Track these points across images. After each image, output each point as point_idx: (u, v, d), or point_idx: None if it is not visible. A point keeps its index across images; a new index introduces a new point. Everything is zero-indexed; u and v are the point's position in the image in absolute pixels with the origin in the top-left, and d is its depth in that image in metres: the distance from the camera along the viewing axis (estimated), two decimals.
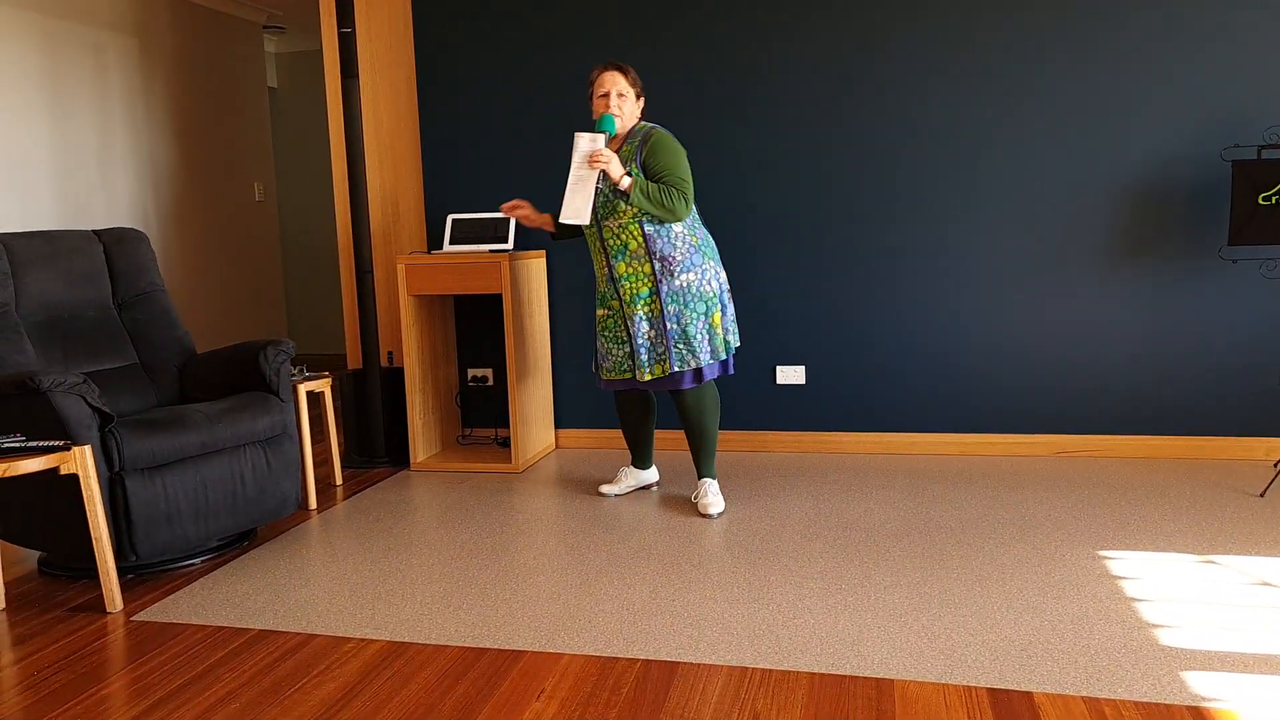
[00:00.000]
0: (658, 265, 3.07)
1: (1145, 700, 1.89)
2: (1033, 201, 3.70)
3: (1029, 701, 1.90)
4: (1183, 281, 3.61)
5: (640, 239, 3.07)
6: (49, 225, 4.66)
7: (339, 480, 3.76)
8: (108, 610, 2.54)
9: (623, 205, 3.05)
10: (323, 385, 3.58)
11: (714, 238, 3.99)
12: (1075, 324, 3.71)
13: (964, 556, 2.71)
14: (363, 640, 2.30)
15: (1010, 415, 3.81)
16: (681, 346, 3.08)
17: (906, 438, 3.90)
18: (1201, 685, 1.94)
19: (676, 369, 3.08)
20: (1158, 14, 3.51)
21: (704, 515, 3.15)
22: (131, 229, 3.40)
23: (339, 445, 4.42)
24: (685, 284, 3.08)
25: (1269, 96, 3.46)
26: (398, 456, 4.07)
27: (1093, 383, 3.72)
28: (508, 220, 4.00)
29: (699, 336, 3.08)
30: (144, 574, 2.81)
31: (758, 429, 4.03)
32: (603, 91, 3.08)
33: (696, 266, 3.09)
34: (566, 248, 4.14)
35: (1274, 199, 3.22)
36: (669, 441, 4.13)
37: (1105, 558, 2.67)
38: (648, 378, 3.11)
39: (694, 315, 3.07)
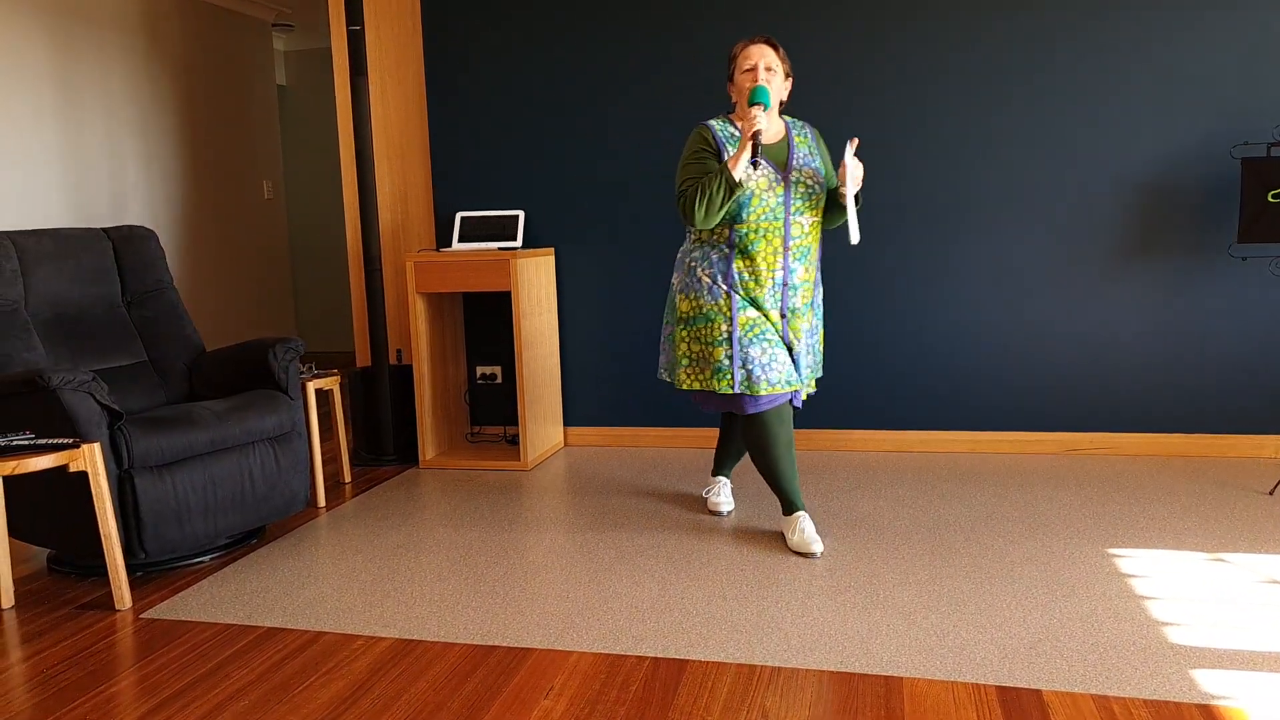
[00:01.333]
0: (818, 272, 2.88)
1: (1154, 698, 1.88)
2: (1041, 200, 3.68)
3: (1038, 699, 1.90)
4: (1192, 279, 3.60)
5: (819, 243, 2.84)
6: (58, 224, 4.69)
7: (348, 478, 3.77)
8: (116, 608, 2.56)
9: (822, 198, 2.77)
10: (331, 383, 3.59)
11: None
12: (1084, 322, 3.70)
13: (973, 554, 2.70)
14: (372, 638, 2.31)
15: (1019, 413, 3.80)
16: (821, 359, 2.95)
17: (916, 435, 3.90)
18: (1211, 684, 1.93)
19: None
20: (1166, 12, 3.49)
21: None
22: (140, 227, 3.42)
23: (348, 443, 4.44)
24: (822, 297, 2.97)
25: (1278, 94, 3.45)
26: (406, 454, 4.08)
27: (1102, 380, 3.71)
28: (516, 217, 4.00)
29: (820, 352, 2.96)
30: (153, 571, 2.82)
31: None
32: (750, 65, 2.73)
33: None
34: (576, 247, 4.14)
35: None
36: (670, 439, 4.13)
37: (1114, 556, 2.66)
38: (807, 393, 2.93)
39: (820, 330, 2.95)
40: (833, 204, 2.82)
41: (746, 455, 3.09)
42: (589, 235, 4.12)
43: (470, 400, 4.35)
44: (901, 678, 2.01)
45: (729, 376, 2.70)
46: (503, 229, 4.01)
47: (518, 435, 4.26)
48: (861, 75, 3.77)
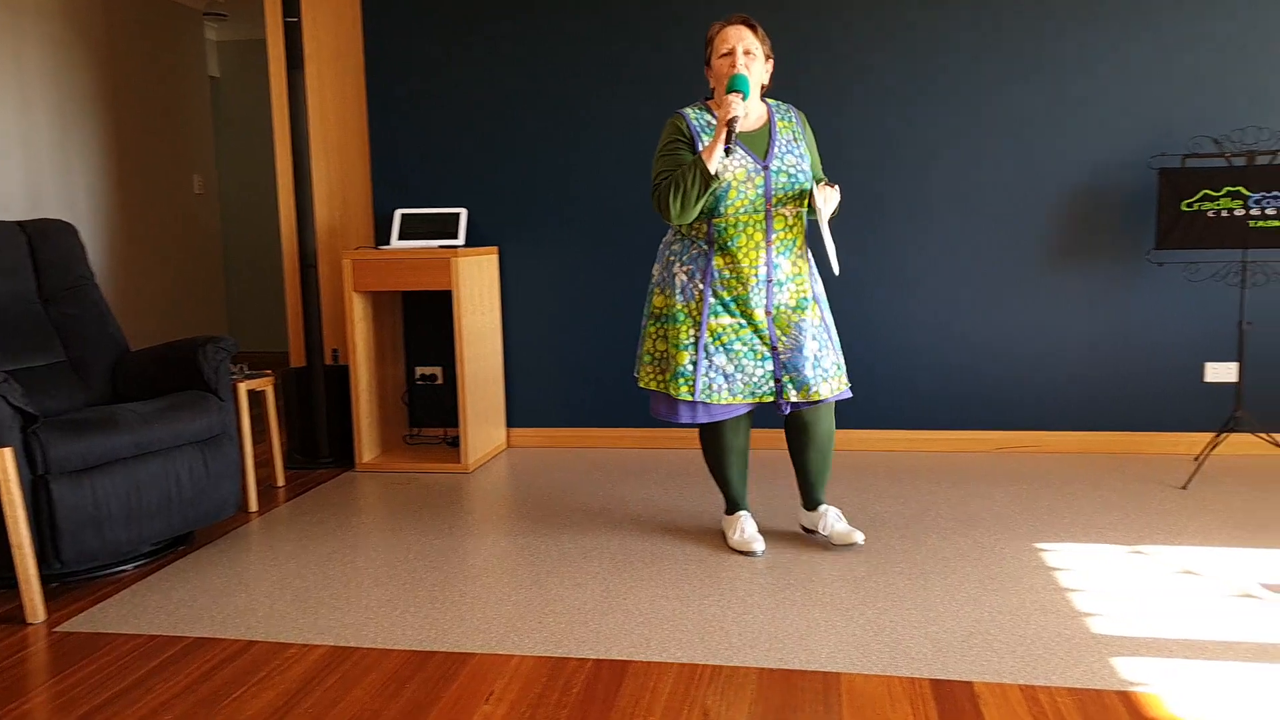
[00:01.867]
0: (810, 266, 2.69)
1: (1077, 686, 1.95)
2: (975, 207, 3.78)
3: (969, 691, 1.95)
4: (1114, 284, 3.73)
5: (805, 235, 2.66)
6: None
7: (281, 481, 3.70)
8: (29, 621, 2.45)
9: (806, 186, 2.58)
10: (264, 384, 3.52)
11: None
12: (1015, 324, 3.81)
13: (908, 550, 2.76)
14: (305, 646, 2.27)
15: (953, 412, 3.89)
16: (842, 357, 2.72)
17: (856, 434, 3.97)
18: (1129, 671, 2.01)
19: (847, 381, 2.67)
20: (1092, 31, 3.61)
21: (846, 544, 2.73)
22: (58, 220, 3.29)
23: (281, 446, 4.35)
24: (821, 291, 2.72)
25: (1192, 108, 3.59)
26: (343, 457, 4.02)
27: (1032, 380, 3.82)
28: (458, 215, 3.97)
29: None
30: (70, 582, 2.72)
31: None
32: (727, 49, 2.55)
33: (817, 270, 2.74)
34: (520, 245, 4.12)
35: (1196, 205, 3.34)
36: (615, 440, 4.14)
37: (1041, 550, 2.74)
38: (817, 397, 2.60)
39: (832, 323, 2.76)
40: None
41: (823, 471, 2.80)
42: (533, 234, 4.10)
43: (409, 401, 4.30)
44: (839, 673, 2.04)
45: (690, 383, 2.59)
46: (444, 227, 3.97)
47: (458, 437, 4.23)
48: (807, 81, 3.82)
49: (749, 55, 2.55)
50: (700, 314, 2.59)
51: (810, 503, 2.82)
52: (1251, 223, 3.26)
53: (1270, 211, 3.25)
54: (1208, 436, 3.73)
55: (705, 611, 2.38)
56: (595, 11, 3.93)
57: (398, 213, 4.01)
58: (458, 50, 4.05)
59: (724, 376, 2.58)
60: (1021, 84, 3.69)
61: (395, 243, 3.97)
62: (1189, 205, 3.35)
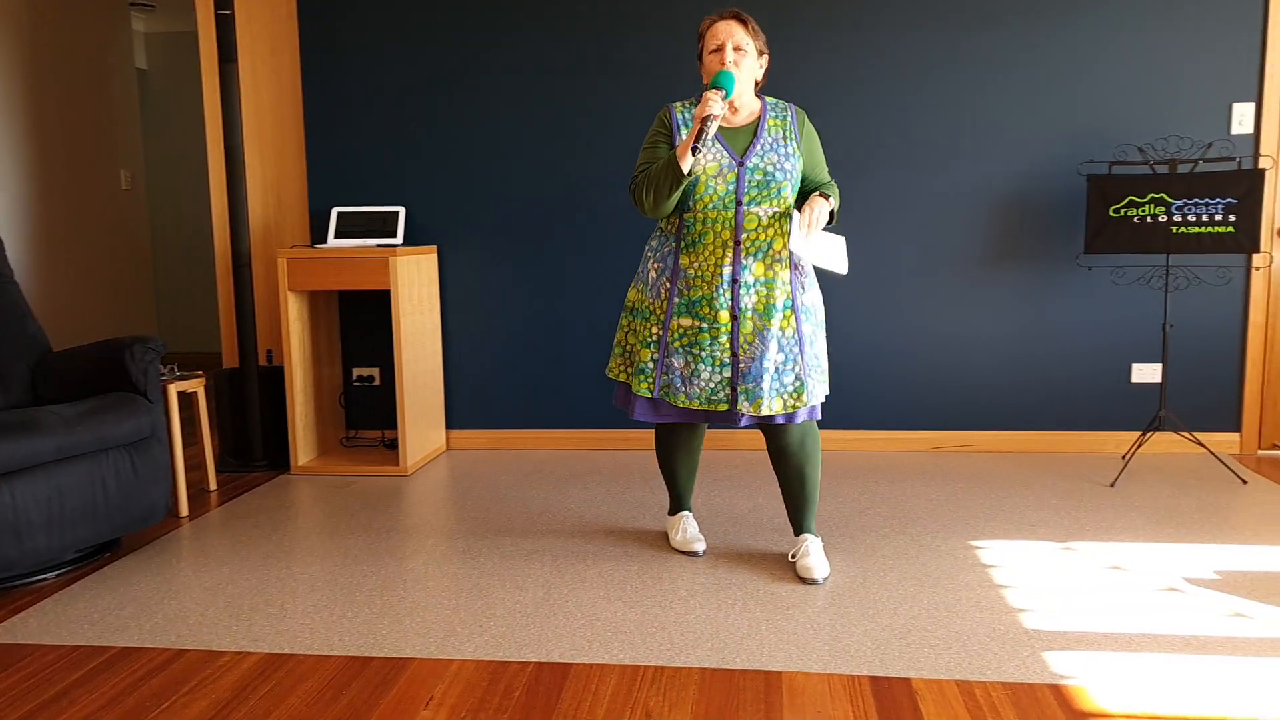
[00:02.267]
0: (794, 273, 2.52)
1: (1011, 681, 1.99)
2: (909, 211, 3.85)
3: (907, 687, 1.98)
4: (1045, 287, 3.83)
5: (786, 238, 2.49)
6: None
7: (213, 485, 3.60)
8: None
9: (786, 188, 2.47)
10: (195, 385, 3.42)
11: (618, 240, 4.00)
12: (950, 326, 3.88)
13: (847, 549, 2.80)
14: (238, 653, 2.21)
15: (890, 412, 3.95)
16: (816, 374, 2.53)
17: None
18: (1059, 664, 2.06)
19: (812, 401, 2.51)
20: (1023, 40, 3.71)
21: (806, 580, 2.56)
22: None
23: (213, 449, 4.24)
24: (814, 300, 2.56)
25: (1119, 116, 3.70)
26: (277, 460, 3.93)
27: (966, 381, 3.90)
28: (396, 213, 3.91)
29: (824, 362, 2.59)
30: None
31: (647, 427, 4.06)
32: (716, 44, 2.47)
33: (815, 280, 2.61)
34: (460, 245, 4.07)
35: (1122, 211, 3.45)
36: (557, 441, 4.12)
37: (976, 547, 2.80)
38: (767, 411, 2.47)
39: (820, 338, 2.59)
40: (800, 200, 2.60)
41: (812, 500, 2.69)
42: (474, 233, 4.06)
43: (346, 403, 4.22)
44: (780, 672, 2.06)
45: (649, 381, 2.54)
46: (382, 225, 3.91)
47: (396, 439, 4.16)
48: None
49: (739, 51, 2.46)
50: (665, 312, 2.53)
51: (795, 529, 2.70)
52: (1174, 228, 3.38)
53: (1191, 218, 3.37)
54: (1134, 435, 3.85)
55: (647, 612, 2.38)
56: (536, 8, 3.90)
57: (334, 211, 3.94)
58: (397, 45, 3.99)
59: (680, 379, 2.51)
60: (955, 91, 3.77)
61: (332, 241, 3.89)
62: (1116, 211, 3.46)
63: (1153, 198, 3.40)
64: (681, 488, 2.83)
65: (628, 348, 2.63)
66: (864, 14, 3.76)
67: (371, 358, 4.18)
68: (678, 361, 2.51)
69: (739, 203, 2.45)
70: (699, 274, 2.48)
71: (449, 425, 4.17)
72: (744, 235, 2.45)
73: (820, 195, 2.46)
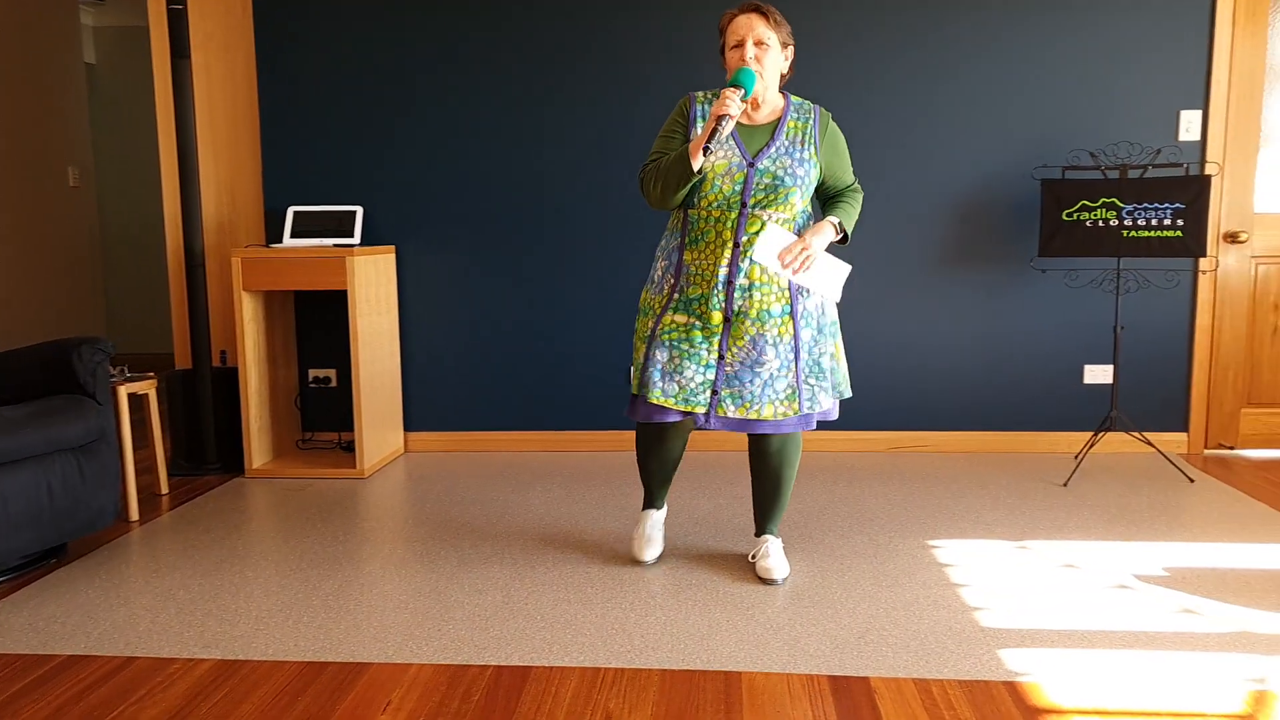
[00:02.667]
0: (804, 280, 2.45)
1: (967, 678, 2.02)
2: (867, 216, 3.88)
3: (865, 687, 2.00)
4: (1000, 290, 3.89)
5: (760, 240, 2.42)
6: None
7: (164, 489, 3.53)
8: None
9: (794, 194, 2.39)
10: (146, 387, 3.35)
11: (579, 241, 3.99)
12: (907, 328, 3.93)
13: (806, 549, 2.82)
14: (190, 660, 2.16)
15: (849, 413, 3.99)
16: (813, 382, 2.47)
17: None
18: (1014, 661, 2.09)
19: (807, 410, 2.46)
20: (979, 46, 3.76)
21: (766, 581, 2.58)
22: None
23: (165, 452, 4.15)
24: (819, 305, 2.49)
25: (1072, 122, 3.77)
26: (231, 463, 3.86)
27: (923, 382, 3.95)
28: (354, 213, 3.86)
29: (827, 371, 2.50)
30: None
31: (618, 429, 4.06)
32: (736, 40, 2.37)
33: None
34: (418, 245, 4.03)
35: (1075, 215, 3.51)
36: (518, 443, 4.09)
37: (933, 546, 2.83)
38: (756, 417, 2.42)
39: (826, 344, 2.50)
40: (826, 210, 2.55)
41: (782, 507, 2.69)
42: (432, 233, 4.02)
43: (302, 405, 4.16)
44: (740, 672, 2.06)
45: (639, 376, 2.49)
46: (339, 225, 3.86)
47: (353, 441, 4.11)
48: (697, 83, 3.86)
49: (761, 46, 2.36)
50: (662, 308, 2.47)
51: (757, 529, 2.71)
52: (1125, 232, 3.45)
53: (1140, 222, 3.44)
54: (1087, 435, 3.93)
55: (608, 614, 2.37)
56: (495, 3, 3.88)
57: (290, 210, 3.88)
58: (354, 42, 3.95)
59: (660, 373, 2.43)
60: (912, 97, 3.81)
61: (288, 241, 3.84)
62: (1069, 215, 3.52)
63: (1104, 202, 3.47)
64: (651, 486, 2.74)
65: (635, 348, 2.57)
66: (815, 20, 3.79)
67: (328, 359, 4.12)
68: (661, 355, 2.43)
69: (744, 204, 2.37)
70: (698, 272, 2.42)
71: (407, 427, 4.13)
72: (745, 238, 2.38)
73: (829, 220, 2.42)
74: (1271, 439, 3.91)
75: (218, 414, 3.81)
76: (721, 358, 2.41)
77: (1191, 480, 3.50)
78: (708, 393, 2.42)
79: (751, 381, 2.40)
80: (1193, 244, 3.40)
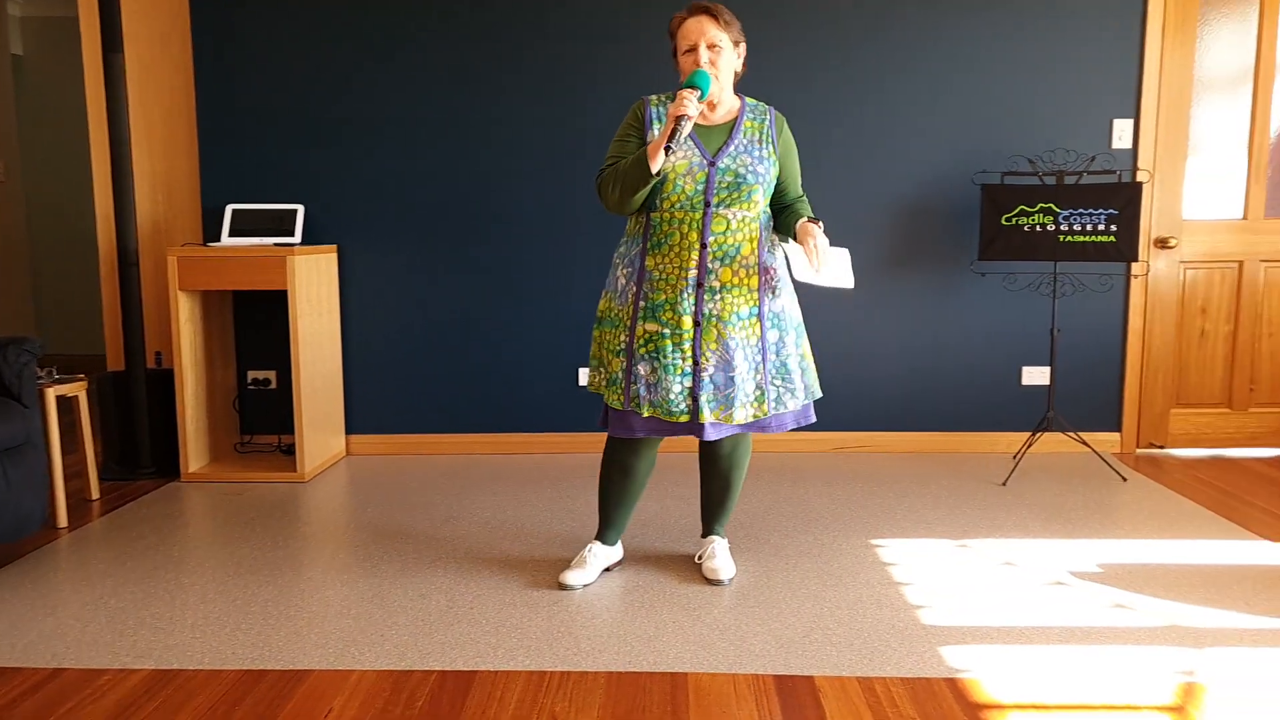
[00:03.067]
0: (763, 278, 2.42)
1: (910, 676, 2.05)
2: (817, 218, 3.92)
3: (810, 685, 2.01)
4: (941, 292, 3.96)
5: (755, 243, 2.41)
6: None
7: (95, 495, 3.42)
8: None
9: (757, 191, 2.38)
10: (77, 389, 3.24)
11: (524, 240, 3.96)
12: (849, 330, 3.98)
13: (752, 549, 2.83)
14: (122, 671, 2.10)
15: None
16: (779, 383, 2.45)
17: None
18: (955, 658, 2.12)
19: (774, 410, 2.44)
20: (921, 52, 3.83)
21: (712, 582, 2.58)
22: None
23: (96, 456, 4.02)
24: (784, 307, 2.47)
25: (1011, 128, 3.86)
26: (166, 467, 3.75)
27: (866, 383, 4.00)
28: (294, 211, 3.78)
29: (796, 373, 2.48)
30: None
31: (564, 430, 4.04)
32: (688, 45, 2.35)
33: (790, 285, 2.51)
34: (361, 244, 3.97)
35: (1014, 220, 3.59)
36: (462, 446, 4.05)
37: (876, 546, 2.87)
38: (730, 420, 2.39)
39: (793, 346, 2.48)
40: (783, 221, 2.51)
41: (731, 504, 2.70)
42: (375, 232, 3.96)
43: (240, 407, 4.06)
44: (686, 673, 2.07)
45: (620, 391, 2.42)
46: (279, 223, 3.78)
47: (294, 444, 4.03)
48: (648, 89, 3.86)
49: (714, 49, 2.34)
50: (632, 318, 2.41)
51: (704, 530, 2.73)
52: (1061, 237, 3.54)
53: (1076, 227, 3.53)
54: (1025, 436, 4.02)
55: (554, 617, 2.36)
56: (441, 1, 3.84)
57: (229, 208, 3.79)
58: (296, 36, 3.87)
59: (645, 387, 2.38)
60: (856, 101, 3.86)
61: (226, 239, 3.75)
62: (1008, 220, 3.60)
63: (1041, 207, 3.55)
64: (610, 510, 2.60)
65: (601, 360, 2.51)
66: (760, 20, 3.82)
67: (267, 360, 4.04)
68: (644, 369, 2.38)
69: (707, 204, 2.35)
70: (663, 277, 2.38)
71: (349, 430, 4.06)
72: (711, 238, 2.35)
73: (810, 221, 2.39)
74: (1199, 438, 4.04)
75: (152, 417, 3.71)
76: (697, 363, 2.37)
77: (1124, 479, 3.60)
78: (688, 400, 2.37)
79: (727, 386, 2.37)
80: (1125, 249, 3.50)
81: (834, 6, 3.81)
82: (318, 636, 2.26)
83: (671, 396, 2.36)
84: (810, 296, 3.94)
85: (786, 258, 2.48)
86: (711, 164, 2.36)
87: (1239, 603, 2.43)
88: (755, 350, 2.41)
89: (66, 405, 5.04)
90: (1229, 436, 4.04)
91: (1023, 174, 3.63)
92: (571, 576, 2.55)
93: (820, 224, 2.40)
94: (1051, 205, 3.54)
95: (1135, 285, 3.93)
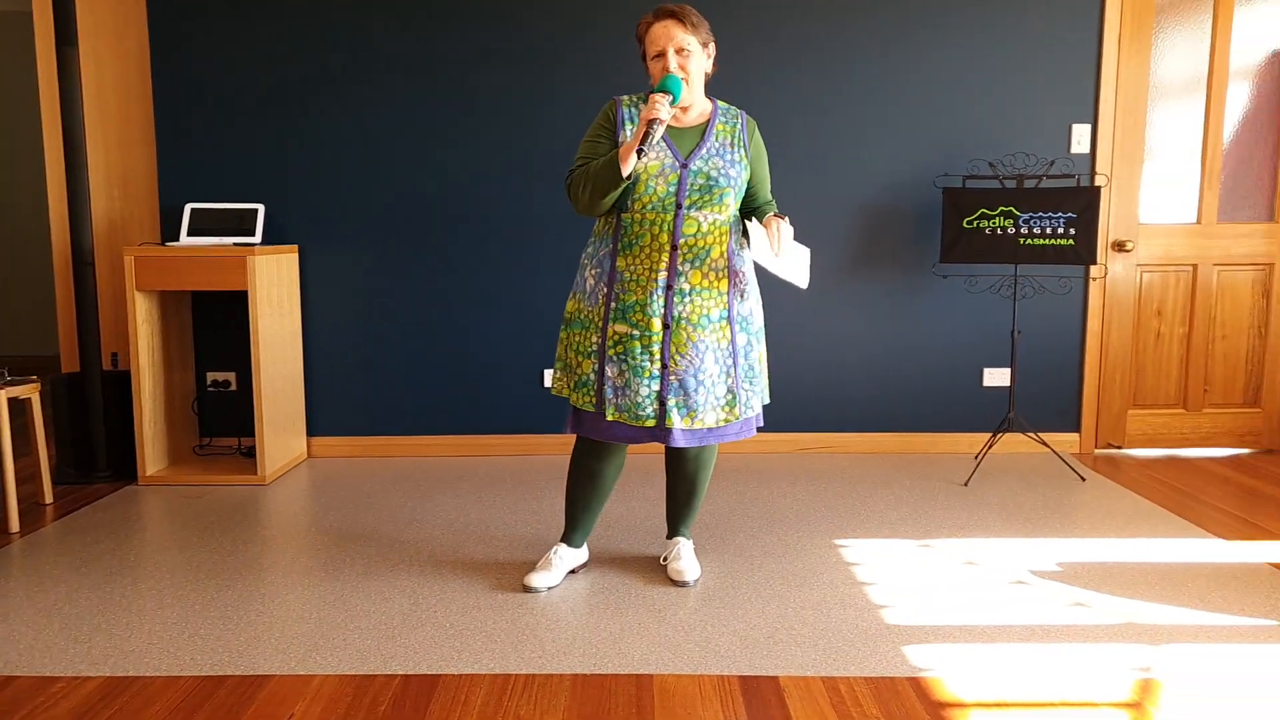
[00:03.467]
0: (732, 281, 2.43)
1: (873, 675, 2.06)
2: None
3: (775, 686, 2.02)
4: (904, 294, 4.00)
5: (725, 247, 2.41)
6: None
7: (49, 499, 3.34)
8: None
9: (729, 194, 2.39)
10: (29, 391, 3.17)
11: (487, 241, 3.94)
12: (814, 332, 4.00)
13: (717, 550, 2.84)
14: (76, 678, 2.05)
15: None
16: (748, 387, 2.46)
17: None
18: (918, 657, 2.14)
19: (745, 414, 2.46)
20: (882, 56, 3.86)
21: (678, 583, 2.59)
22: None
23: (50, 459, 3.94)
24: (751, 310, 2.48)
25: (972, 133, 3.91)
26: (123, 470, 3.68)
27: (829, 385, 4.03)
28: (255, 211, 3.73)
29: (759, 377, 2.50)
30: None
31: (528, 432, 4.02)
32: (657, 50, 2.35)
33: (757, 289, 2.52)
34: (322, 244, 3.92)
35: (975, 223, 3.64)
36: (424, 448, 4.02)
37: (840, 546, 2.89)
38: (702, 425, 2.39)
39: (757, 350, 2.50)
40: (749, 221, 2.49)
41: (696, 504, 2.70)
42: (337, 232, 3.92)
43: (199, 409, 4.00)
44: (652, 675, 2.06)
45: (592, 394, 2.41)
46: (239, 223, 3.72)
47: (254, 447, 3.97)
48: (602, 92, 3.86)
49: (683, 54, 2.35)
50: (603, 319, 2.41)
51: (669, 531, 2.73)
52: (1021, 240, 3.59)
53: (1036, 230, 3.58)
54: (986, 436, 4.07)
55: (518, 620, 2.34)
56: None
57: (188, 207, 3.73)
58: (255, 32, 3.82)
59: (612, 390, 2.38)
60: (820, 105, 3.89)
61: (184, 239, 3.69)
62: (969, 223, 3.65)
63: (1002, 211, 3.60)
64: (578, 512, 2.60)
65: (568, 362, 2.49)
66: (723, 21, 3.83)
67: (227, 362, 3.97)
68: (611, 371, 2.38)
69: (679, 206, 2.35)
70: (634, 278, 2.37)
71: (310, 432, 4.01)
72: (682, 240, 2.35)
73: (770, 214, 2.41)
74: (1155, 438, 4.12)
75: (108, 419, 3.64)
76: (665, 366, 2.36)
77: (1083, 479, 3.66)
78: (655, 404, 2.37)
79: (696, 390, 2.37)
80: (1084, 252, 3.55)
81: (797, 11, 3.83)
82: (278, 641, 2.23)
83: (638, 400, 2.36)
84: (775, 297, 3.97)
85: (747, 235, 2.47)
86: (684, 166, 2.36)
87: (1194, 600, 2.48)
88: (726, 353, 2.42)
89: (19, 407, 4.93)
90: (1184, 437, 4.12)
91: (983, 177, 3.68)
92: (537, 579, 2.54)
93: (786, 219, 2.41)
94: (1012, 209, 3.59)
95: (1094, 288, 4.00)
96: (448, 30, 3.83)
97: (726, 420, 2.43)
